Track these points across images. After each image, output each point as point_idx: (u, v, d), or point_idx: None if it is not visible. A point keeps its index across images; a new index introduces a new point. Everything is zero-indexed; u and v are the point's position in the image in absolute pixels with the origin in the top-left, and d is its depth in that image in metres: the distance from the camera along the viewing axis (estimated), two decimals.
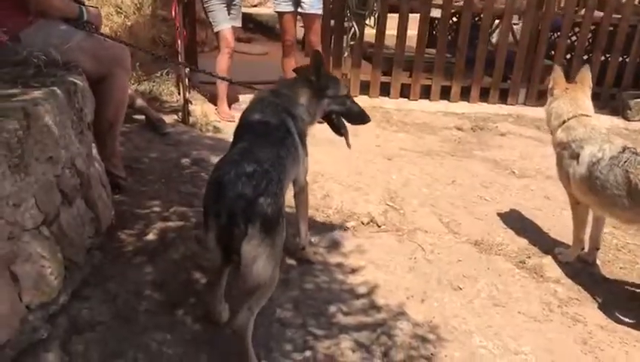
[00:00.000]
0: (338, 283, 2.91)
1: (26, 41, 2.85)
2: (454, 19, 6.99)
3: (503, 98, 6.49)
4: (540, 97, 6.44)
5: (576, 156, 3.08)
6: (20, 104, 2.21)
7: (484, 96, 6.46)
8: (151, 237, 2.95)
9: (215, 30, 5.17)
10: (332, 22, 5.95)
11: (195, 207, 3.30)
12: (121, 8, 6.49)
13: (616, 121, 6.36)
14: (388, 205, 3.85)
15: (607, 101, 6.54)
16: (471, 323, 2.71)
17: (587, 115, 3.22)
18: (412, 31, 6.19)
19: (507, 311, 2.88)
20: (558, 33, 6.46)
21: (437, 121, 5.91)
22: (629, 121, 6.34)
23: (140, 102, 4.54)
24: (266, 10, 9.22)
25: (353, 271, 3.06)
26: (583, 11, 6.46)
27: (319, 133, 5.06)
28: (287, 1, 5.27)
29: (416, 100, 6.32)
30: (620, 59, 6.52)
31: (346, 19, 5.87)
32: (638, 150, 2.92)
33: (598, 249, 3.38)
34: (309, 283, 2.87)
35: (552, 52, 6.50)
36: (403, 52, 6.16)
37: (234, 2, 5.26)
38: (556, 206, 4.16)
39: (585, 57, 6.40)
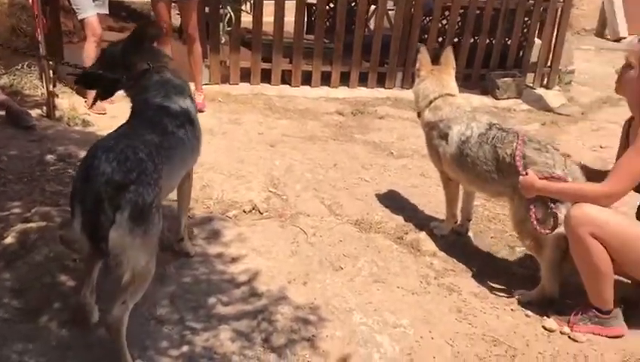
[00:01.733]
0: (218, 274, 2.84)
1: None
2: (331, 4, 7.04)
3: (381, 82, 6.64)
4: None
5: (444, 136, 3.20)
6: None
7: (363, 80, 6.58)
8: (9, 240, 2.71)
9: (80, 18, 4.87)
10: (207, 9, 5.78)
11: (60, 206, 3.08)
12: None
13: (486, 100, 6.71)
14: (270, 191, 3.82)
15: (478, 81, 6.89)
16: (352, 302, 2.74)
17: (452, 95, 3.35)
18: (291, 18, 6.19)
19: (387, 286, 2.95)
20: (430, 17, 6.71)
21: (319, 107, 5.94)
22: (497, 99, 6.71)
23: None
24: None
25: (234, 260, 3.00)
26: None
27: (202, 122, 4.98)
28: None
29: (298, 87, 6.32)
30: (487, 41, 6.87)
31: (221, 5, 5.74)
32: (503, 126, 3.08)
33: (469, 220, 3.55)
34: (187, 277, 2.78)
35: (425, 36, 6.73)
36: (282, 38, 6.13)
37: None
38: (432, 183, 4.32)
39: (455, 40, 6.70)
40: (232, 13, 5.72)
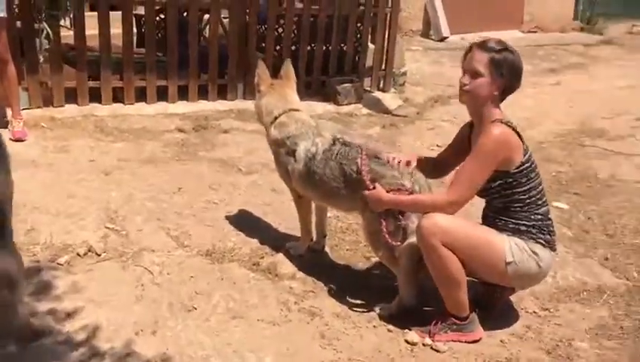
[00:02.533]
0: (50, 336, 2.46)
1: None
2: (161, 15, 6.66)
3: (222, 94, 6.41)
4: None
5: (292, 153, 3.09)
6: None
7: (203, 93, 6.31)
8: None
9: None
10: (18, 23, 5.16)
11: None
12: None
13: (329, 107, 6.75)
14: (107, 228, 3.45)
15: (318, 88, 6.91)
16: (208, 347, 2.52)
17: (297, 110, 3.25)
18: (119, 30, 5.74)
19: (246, 321, 2.76)
20: (266, 26, 6.61)
21: (157, 125, 5.57)
22: (339, 105, 6.78)
23: None
24: None
25: (68, 315, 2.64)
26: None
27: (18, 154, 4.42)
28: None
29: (133, 104, 5.89)
30: (324, 48, 6.92)
31: (36, 20, 5.15)
32: (347, 140, 3.02)
33: (325, 236, 3.48)
34: (12, 345, 2.37)
35: (263, 44, 6.61)
36: (109, 53, 5.66)
37: None
38: (284, 198, 4.17)
39: (293, 48, 6.66)
40: (48, 29, 5.15)
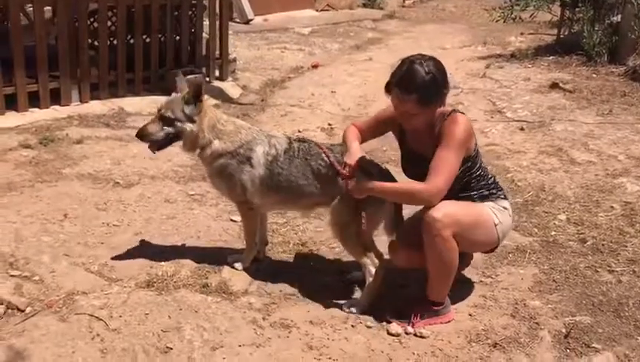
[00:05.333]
0: None
1: None
2: None
3: (56, 99, 5.70)
4: (94, 90, 5.97)
5: (247, 160, 2.93)
6: None
7: (33, 101, 5.54)
8: None
9: None
10: None
11: None
12: None
13: None
14: (15, 276, 2.93)
15: (157, 82, 6.51)
16: None
17: (233, 119, 3.12)
18: None
19: (229, 350, 2.58)
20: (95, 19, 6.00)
21: None
22: None
23: None
24: None
25: None
26: None
27: None
28: None
29: None
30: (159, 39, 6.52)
31: None
32: (300, 137, 2.98)
33: (266, 244, 3.38)
34: None
35: (96, 42, 6.00)
36: None
37: None
38: (181, 207, 3.98)
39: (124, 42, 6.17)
40: None
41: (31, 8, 5.56)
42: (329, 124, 6.11)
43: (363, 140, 2.95)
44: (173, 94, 3.04)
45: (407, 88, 2.59)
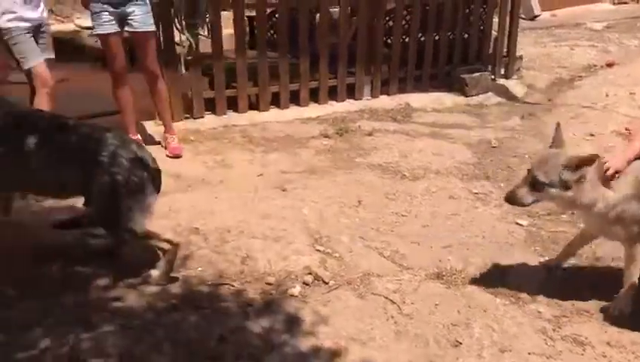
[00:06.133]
0: None
1: None
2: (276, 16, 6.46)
3: (350, 93, 6.19)
4: (383, 85, 6.30)
5: None
6: None
7: (331, 94, 6.10)
8: None
9: (26, 67, 4.00)
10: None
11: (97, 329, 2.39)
12: None
13: (457, 99, 6.48)
14: (319, 251, 3.27)
15: (444, 79, 6.63)
16: None
17: None
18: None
19: (516, 354, 2.53)
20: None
21: (299, 131, 5.38)
22: (468, 96, 6.50)
23: None
24: (59, 26, 7.71)
25: (335, 355, 2.46)
26: None
27: (183, 172, 4.31)
28: (111, 20, 4.27)
29: (267, 111, 5.72)
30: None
31: (179, 30, 5.03)
32: None
33: None
34: None
35: (389, 39, 6.35)
36: (245, 60, 5.49)
37: (41, 29, 4.13)
38: (468, 205, 3.98)
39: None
40: (191, 40, 5.01)
41: (335, 9, 6.11)
42: (626, 129, 5.53)
43: None
44: (549, 150, 2.73)
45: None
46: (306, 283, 2.96)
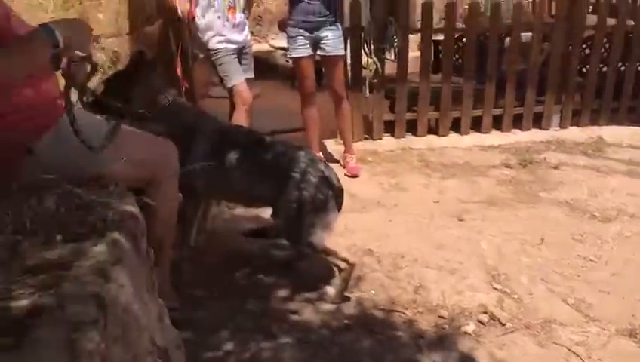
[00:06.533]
0: None
1: (43, 154, 2.01)
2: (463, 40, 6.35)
3: (537, 123, 5.88)
4: (574, 116, 5.91)
5: None
6: (88, 289, 1.38)
7: (515, 122, 5.84)
8: None
9: (228, 86, 4.37)
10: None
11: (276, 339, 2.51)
12: (97, 65, 5.55)
13: None
14: (496, 289, 3.13)
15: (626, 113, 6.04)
16: None
17: None
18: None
19: None
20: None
21: (478, 159, 5.24)
22: None
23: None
24: (256, 46, 8.37)
25: None
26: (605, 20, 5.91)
27: (359, 192, 4.38)
28: (306, 44, 4.52)
29: (446, 136, 5.65)
30: None
31: (365, 54, 5.17)
32: None
33: None
34: None
35: (585, 68, 5.94)
36: (428, 84, 5.48)
37: (244, 50, 4.49)
38: None
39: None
40: (378, 63, 5.12)
41: (527, 34, 5.85)
42: None
43: None
44: None
45: None
46: (480, 322, 2.85)
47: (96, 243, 1.58)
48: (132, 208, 1.87)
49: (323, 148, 5.17)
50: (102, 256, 1.52)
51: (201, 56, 4.45)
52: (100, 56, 5.75)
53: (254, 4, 6.67)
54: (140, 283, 1.65)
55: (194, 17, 4.25)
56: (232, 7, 4.32)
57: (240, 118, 4.34)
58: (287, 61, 6.86)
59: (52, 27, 1.58)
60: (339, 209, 3.00)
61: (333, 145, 5.29)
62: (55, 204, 1.74)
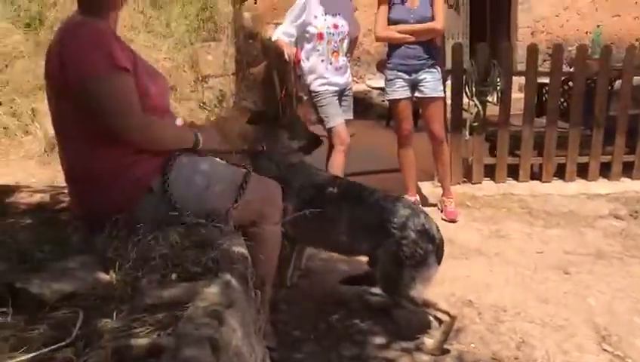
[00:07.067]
0: None
1: (161, 191, 2.12)
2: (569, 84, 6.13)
3: None
4: None
5: None
6: (203, 332, 1.42)
7: (625, 170, 5.53)
8: None
9: (328, 127, 4.44)
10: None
11: None
12: (204, 103, 5.88)
13: None
14: (607, 351, 2.93)
15: None
16: None
17: None
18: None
19: None
20: None
21: (584, 208, 4.98)
22: None
23: None
24: (354, 86, 8.56)
25: None
26: None
27: (457, 239, 4.27)
28: (404, 86, 4.53)
29: (549, 182, 5.43)
30: None
31: (467, 97, 5.11)
32: None
33: None
34: None
35: None
36: (532, 127, 5.32)
37: (345, 92, 4.56)
38: None
39: None
40: (479, 106, 5.04)
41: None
42: None
43: None
44: None
45: None
46: None
47: (209, 284, 1.64)
48: (242, 249, 1.93)
49: (419, 191, 5.11)
50: (215, 297, 1.57)
51: (305, 98, 4.55)
52: (207, 95, 6.09)
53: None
54: (249, 325, 1.68)
55: (299, 60, 4.37)
56: (335, 51, 4.41)
57: (337, 158, 4.39)
58: (382, 101, 6.91)
59: (198, 134, 2.27)
60: (439, 262, 2.93)
61: (430, 188, 5.22)
62: (175, 241, 1.83)
